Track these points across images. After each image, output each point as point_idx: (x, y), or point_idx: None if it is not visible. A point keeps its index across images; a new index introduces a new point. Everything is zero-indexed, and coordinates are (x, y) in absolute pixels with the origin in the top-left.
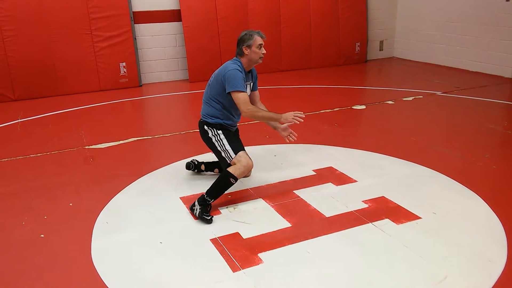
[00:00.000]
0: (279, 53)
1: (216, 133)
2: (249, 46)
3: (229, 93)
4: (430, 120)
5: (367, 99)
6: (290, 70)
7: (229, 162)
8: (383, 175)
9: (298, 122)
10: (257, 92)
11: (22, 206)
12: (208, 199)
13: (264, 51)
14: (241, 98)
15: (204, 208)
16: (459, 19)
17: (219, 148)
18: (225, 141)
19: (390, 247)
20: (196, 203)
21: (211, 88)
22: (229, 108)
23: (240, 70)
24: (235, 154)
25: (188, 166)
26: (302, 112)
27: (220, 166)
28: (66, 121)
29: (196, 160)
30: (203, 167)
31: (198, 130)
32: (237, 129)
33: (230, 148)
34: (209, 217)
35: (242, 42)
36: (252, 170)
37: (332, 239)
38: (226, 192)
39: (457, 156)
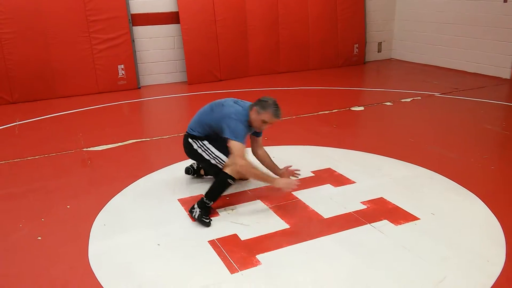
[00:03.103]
0: (277, 54)
1: (201, 144)
2: (258, 113)
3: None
4: (428, 121)
5: (365, 100)
6: (289, 72)
7: (221, 167)
8: (382, 176)
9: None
10: (259, 138)
11: (20, 209)
12: (207, 202)
13: (265, 128)
14: (237, 149)
15: (204, 211)
16: (457, 20)
17: (207, 157)
18: (213, 149)
19: (389, 248)
20: (196, 206)
21: (211, 116)
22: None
23: (244, 123)
24: (227, 158)
25: (187, 171)
26: (298, 182)
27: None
28: (64, 124)
29: (195, 165)
30: (202, 171)
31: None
32: None
33: (220, 154)
34: (208, 220)
35: (258, 104)
36: None
37: (331, 240)
38: (224, 193)
39: (455, 157)
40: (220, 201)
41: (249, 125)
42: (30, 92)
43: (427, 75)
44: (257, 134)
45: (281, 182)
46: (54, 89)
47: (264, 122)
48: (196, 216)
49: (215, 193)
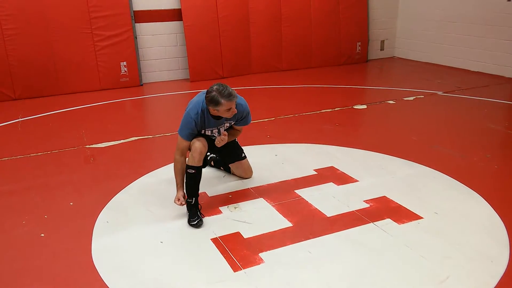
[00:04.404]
0: (279, 52)
1: None
2: (217, 110)
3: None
4: (431, 120)
5: (368, 98)
6: (291, 70)
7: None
8: (385, 175)
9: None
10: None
11: (23, 205)
12: (188, 200)
13: (235, 111)
14: (178, 143)
15: (190, 213)
16: (460, 19)
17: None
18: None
19: (392, 247)
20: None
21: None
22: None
23: (194, 116)
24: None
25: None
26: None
27: (224, 164)
28: (67, 120)
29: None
30: (212, 163)
31: None
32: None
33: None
34: (195, 222)
35: (209, 103)
36: (253, 170)
37: (333, 239)
38: (227, 191)
39: (458, 156)
40: (222, 198)
41: (202, 116)
42: (33, 89)
43: (430, 74)
44: (240, 124)
45: (177, 195)
46: (57, 86)
47: (227, 110)
48: (187, 221)
49: (187, 188)
